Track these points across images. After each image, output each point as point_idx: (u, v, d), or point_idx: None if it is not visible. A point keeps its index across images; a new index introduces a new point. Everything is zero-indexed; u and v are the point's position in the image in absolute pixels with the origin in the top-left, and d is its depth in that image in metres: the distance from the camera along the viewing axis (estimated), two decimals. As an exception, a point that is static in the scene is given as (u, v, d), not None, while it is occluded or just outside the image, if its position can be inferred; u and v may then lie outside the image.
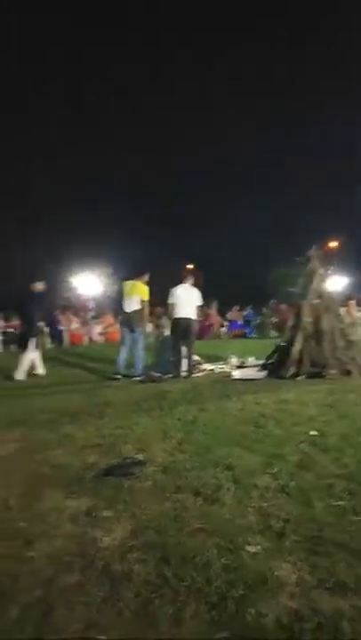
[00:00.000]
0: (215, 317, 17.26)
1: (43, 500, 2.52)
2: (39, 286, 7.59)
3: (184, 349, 7.16)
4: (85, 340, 15.59)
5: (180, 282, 7.32)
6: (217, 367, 7.74)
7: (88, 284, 26.29)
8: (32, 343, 7.41)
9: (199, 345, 8.57)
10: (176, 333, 7.16)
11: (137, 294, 7.12)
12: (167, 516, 2.28)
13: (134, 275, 7.42)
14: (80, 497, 2.55)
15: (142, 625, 1.55)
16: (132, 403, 5.11)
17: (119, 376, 6.90)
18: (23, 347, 7.49)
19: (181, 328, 7.09)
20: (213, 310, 17.27)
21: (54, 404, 5.17)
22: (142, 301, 7.10)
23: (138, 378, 6.73)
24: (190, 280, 7.38)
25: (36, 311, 7.56)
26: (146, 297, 7.13)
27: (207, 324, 16.32)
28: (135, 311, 7.07)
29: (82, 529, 2.19)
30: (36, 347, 7.56)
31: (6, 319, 14.42)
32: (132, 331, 7.12)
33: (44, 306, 7.95)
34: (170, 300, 7.20)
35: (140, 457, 3.18)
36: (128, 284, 7.31)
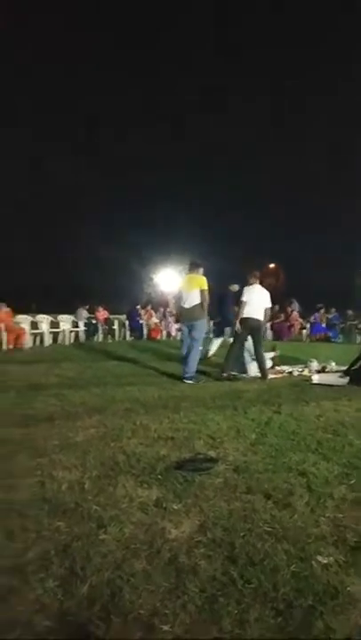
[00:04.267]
0: (296, 318, 16.73)
1: (115, 486, 2.60)
2: (235, 287, 9.24)
3: (252, 350, 7.05)
4: (163, 334, 15.89)
5: (252, 282, 7.14)
6: (296, 370, 7.52)
7: (169, 280, 26.76)
8: (226, 331, 9.15)
9: (279, 346, 8.39)
10: (244, 332, 7.00)
11: (196, 287, 6.75)
12: (236, 516, 2.26)
13: (190, 268, 7.11)
14: (151, 487, 2.60)
15: (206, 621, 1.54)
16: (206, 399, 5.12)
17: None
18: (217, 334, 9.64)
19: (249, 328, 6.94)
20: (295, 311, 16.74)
21: (131, 394, 5.32)
22: (202, 291, 6.69)
23: (190, 381, 6.40)
24: (257, 280, 7.19)
25: (231, 306, 8.84)
26: (205, 287, 6.73)
27: (288, 325, 15.91)
28: (195, 306, 6.71)
29: (151, 518, 2.23)
30: (227, 335, 9.32)
31: (90, 311, 15.06)
32: (191, 328, 6.77)
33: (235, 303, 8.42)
34: (243, 298, 7.00)
35: (213, 454, 3.18)
36: (186, 279, 7.10)
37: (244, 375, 6.94)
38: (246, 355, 7.16)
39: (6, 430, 3.70)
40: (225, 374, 6.74)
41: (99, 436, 3.60)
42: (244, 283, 7.30)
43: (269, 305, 7.18)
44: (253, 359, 7.08)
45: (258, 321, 6.95)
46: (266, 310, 7.09)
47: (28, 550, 1.93)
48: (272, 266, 35.39)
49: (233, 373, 6.78)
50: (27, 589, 1.68)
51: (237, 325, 6.96)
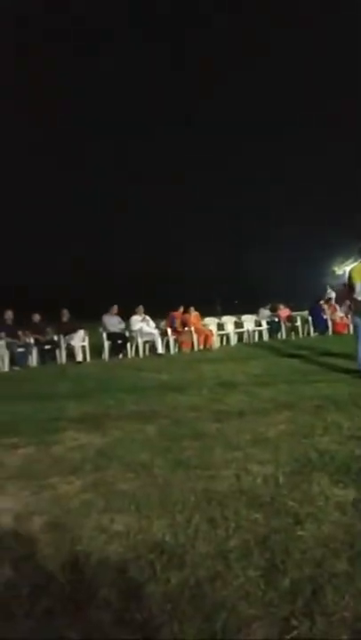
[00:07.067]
0: None
1: (310, 483, 2.56)
2: None
3: None
4: (350, 329, 14.95)
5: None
6: None
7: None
8: None
9: None
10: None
11: None
12: None
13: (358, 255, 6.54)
14: (347, 487, 2.49)
15: None
16: None
17: None
18: None
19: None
20: None
21: (319, 391, 5.15)
22: None
23: None
24: None
25: None
26: None
27: None
28: None
29: (349, 519, 2.14)
30: None
31: (272, 309, 15.09)
32: None
33: None
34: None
35: None
36: (356, 267, 6.30)
37: None
38: None
39: (203, 424, 3.95)
40: None
41: (289, 432, 3.58)
42: None
43: None
44: None
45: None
46: None
47: (229, 538, 2.03)
48: None
49: None
50: (230, 576, 1.76)
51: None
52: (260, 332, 14.01)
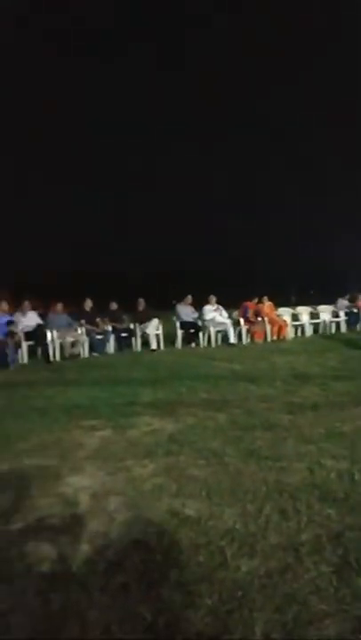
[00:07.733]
0: None
1: (389, 481, 2.45)
2: None
3: None
4: None
5: None
6: None
7: None
8: None
9: None
10: None
11: None
12: None
13: None
14: None
15: None
16: None
17: None
18: None
19: None
20: None
21: None
22: None
23: None
24: None
25: None
26: None
27: None
28: None
29: None
30: None
31: (351, 300, 14.45)
32: None
33: None
34: None
35: None
36: None
37: None
38: None
39: (275, 416, 3.91)
40: None
41: (367, 427, 3.44)
42: None
43: None
44: None
45: None
46: None
47: (301, 532, 2.01)
48: None
49: None
50: (302, 569, 1.75)
51: None
52: (338, 324, 13.51)
